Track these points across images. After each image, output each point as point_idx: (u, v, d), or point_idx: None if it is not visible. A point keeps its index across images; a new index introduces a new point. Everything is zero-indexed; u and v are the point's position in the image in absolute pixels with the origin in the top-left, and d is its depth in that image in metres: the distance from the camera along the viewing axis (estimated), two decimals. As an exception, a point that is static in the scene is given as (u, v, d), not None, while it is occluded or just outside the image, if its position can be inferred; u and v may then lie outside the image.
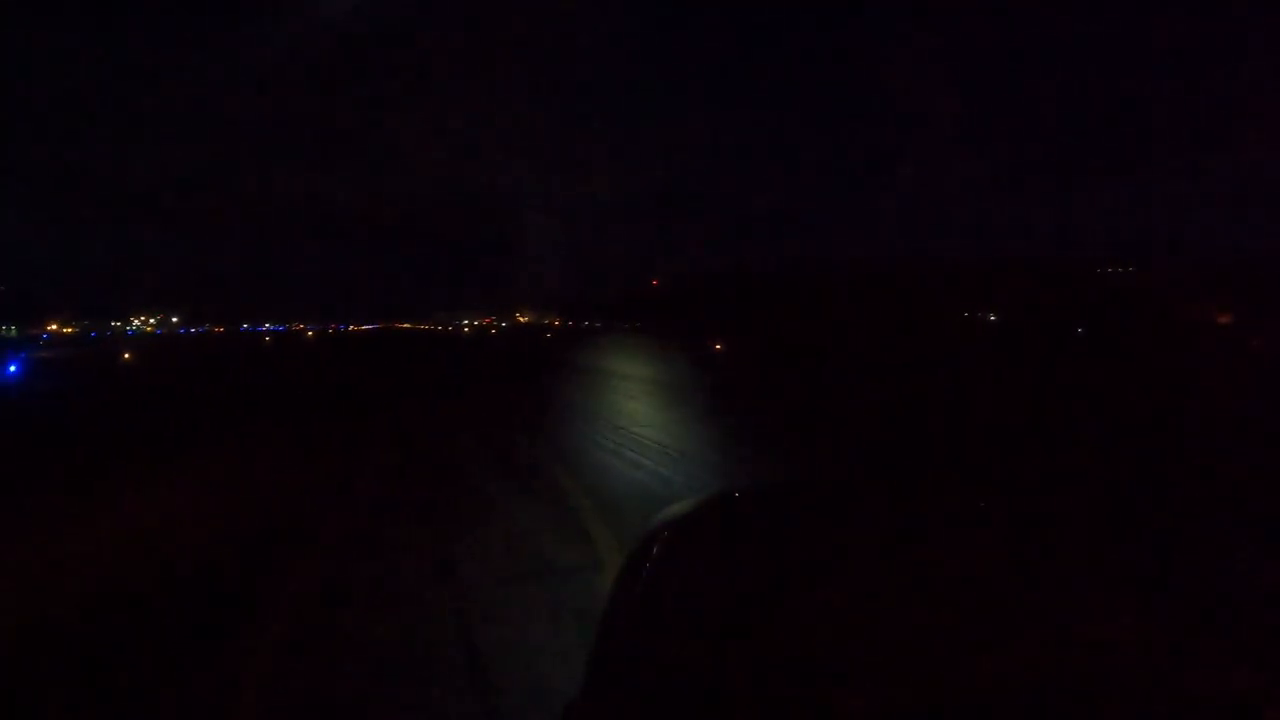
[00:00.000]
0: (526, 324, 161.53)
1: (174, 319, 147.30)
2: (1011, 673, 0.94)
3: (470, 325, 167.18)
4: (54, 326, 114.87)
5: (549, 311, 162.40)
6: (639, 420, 11.98)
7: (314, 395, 18.32)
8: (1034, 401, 14.14)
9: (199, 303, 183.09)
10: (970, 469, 7.39)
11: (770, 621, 1.10)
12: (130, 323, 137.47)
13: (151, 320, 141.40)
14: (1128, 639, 1.01)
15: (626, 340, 56.19)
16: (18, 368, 27.30)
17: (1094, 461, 7.78)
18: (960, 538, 1.37)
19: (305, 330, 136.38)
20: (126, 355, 41.77)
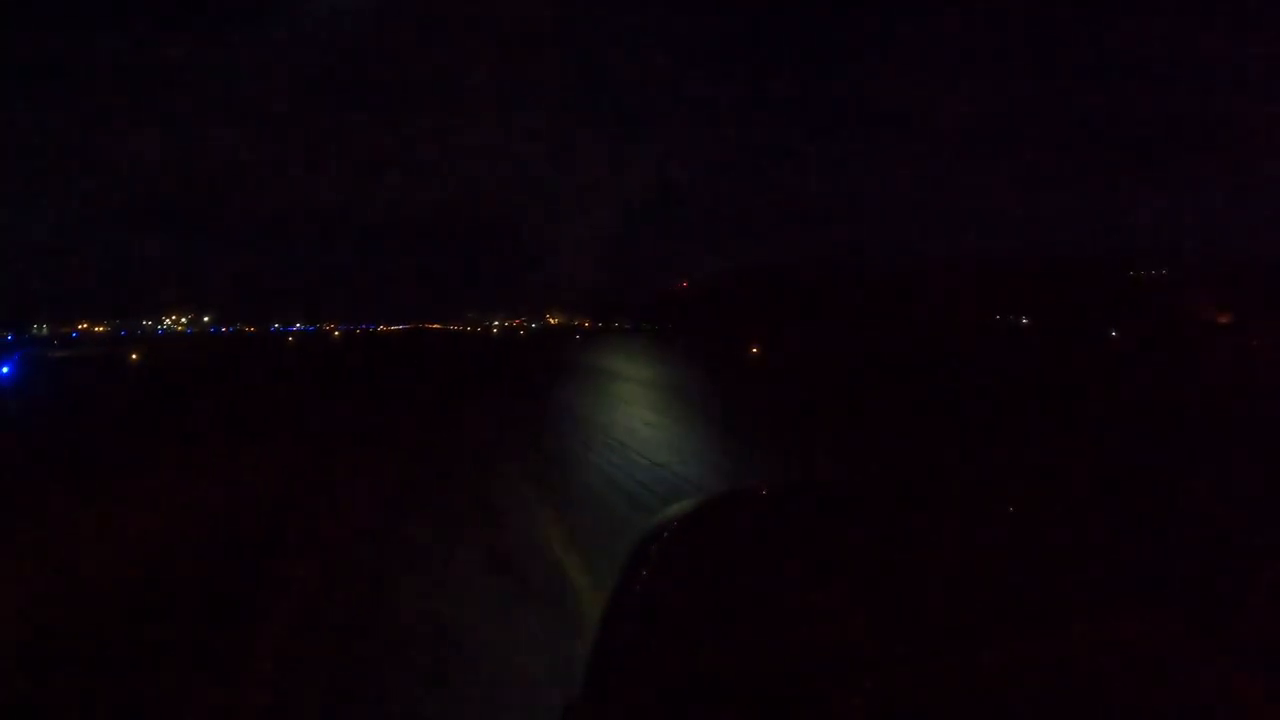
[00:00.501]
0: (556, 325, 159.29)
1: (205, 319, 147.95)
2: (1012, 672, 0.95)
3: (499, 326, 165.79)
4: (85, 325, 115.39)
5: (579, 313, 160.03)
6: (651, 445, 9.15)
7: (301, 405, 16.26)
8: (1050, 403, 13.80)
9: (231, 303, 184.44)
10: (971, 469, 7.13)
11: (770, 622, 1.11)
12: (161, 322, 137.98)
13: (183, 320, 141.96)
14: (1128, 639, 1.01)
15: (656, 342, 54.79)
16: (10, 369, 26.04)
17: (1095, 461, 7.68)
18: (960, 538, 1.38)
19: (333, 331, 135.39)
20: (134, 356, 40.95)
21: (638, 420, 11.64)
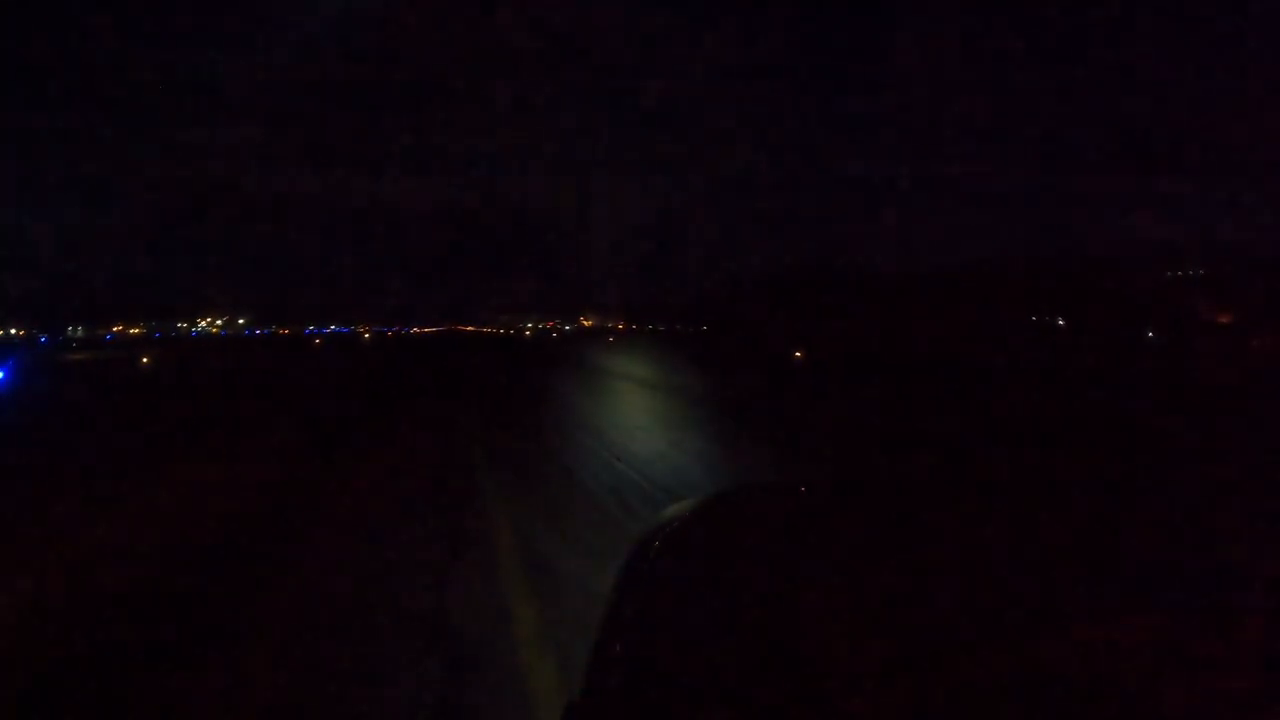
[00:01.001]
0: (590, 326, 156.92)
1: (240, 320, 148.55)
2: (1012, 673, 0.96)
3: (532, 328, 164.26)
4: (120, 327, 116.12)
5: (612, 314, 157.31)
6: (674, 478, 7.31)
7: (303, 417, 14.40)
8: (1074, 406, 13.80)
9: (267, 305, 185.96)
10: (972, 469, 7.10)
11: (771, 622, 1.11)
12: (197, 324, 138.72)
13: (218, 322, 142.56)
14: (1128, 639, 1.01)
15: (690, 345, 53.07)
16: (5, 374, 25.17)
17: (1095, 461, 7.78)
18: (960, 537, 1.39)
19: (364, 333, 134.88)
20: (145, 359, 39.30)
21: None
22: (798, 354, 34.53)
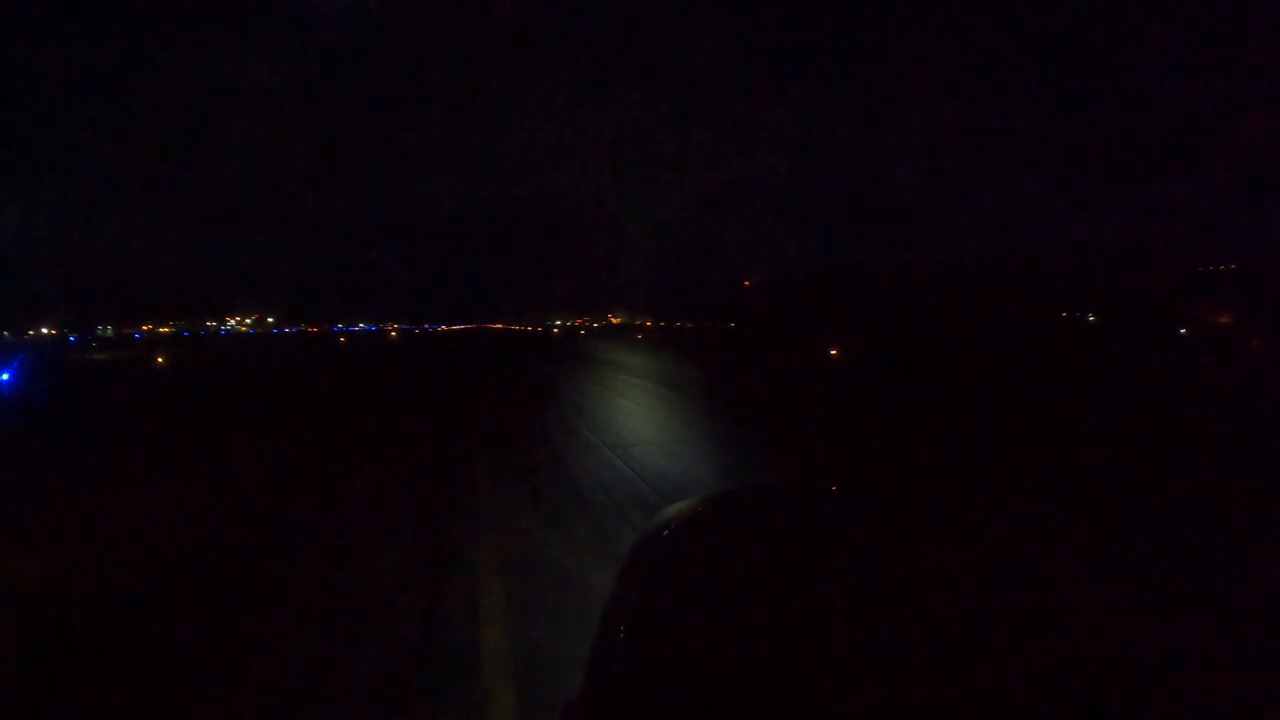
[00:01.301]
0: (618, 324, 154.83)
1: (269, 319, 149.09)
2: (1012, 672, 0.96)
3: (560, 326, 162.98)
4: (149, 326, 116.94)
5: (640, 312, 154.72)
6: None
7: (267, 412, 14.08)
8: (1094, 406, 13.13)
9: (295, 303, 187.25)
10: (973, 469, 6.88)
11: (769, 622, 1.11)
12: (226, 323, 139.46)
13: (247, 320, 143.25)
14: (1129, 639, 1.03)
15: (720, 343, 51.21)
16: (10, 376, 23.54)
17: (1096, 461, 7.55)
18: (960, 537, 1.39)
19: (391, 331, 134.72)
20: (159, 359, 38.08)
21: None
22: (833, 351, 32.70)
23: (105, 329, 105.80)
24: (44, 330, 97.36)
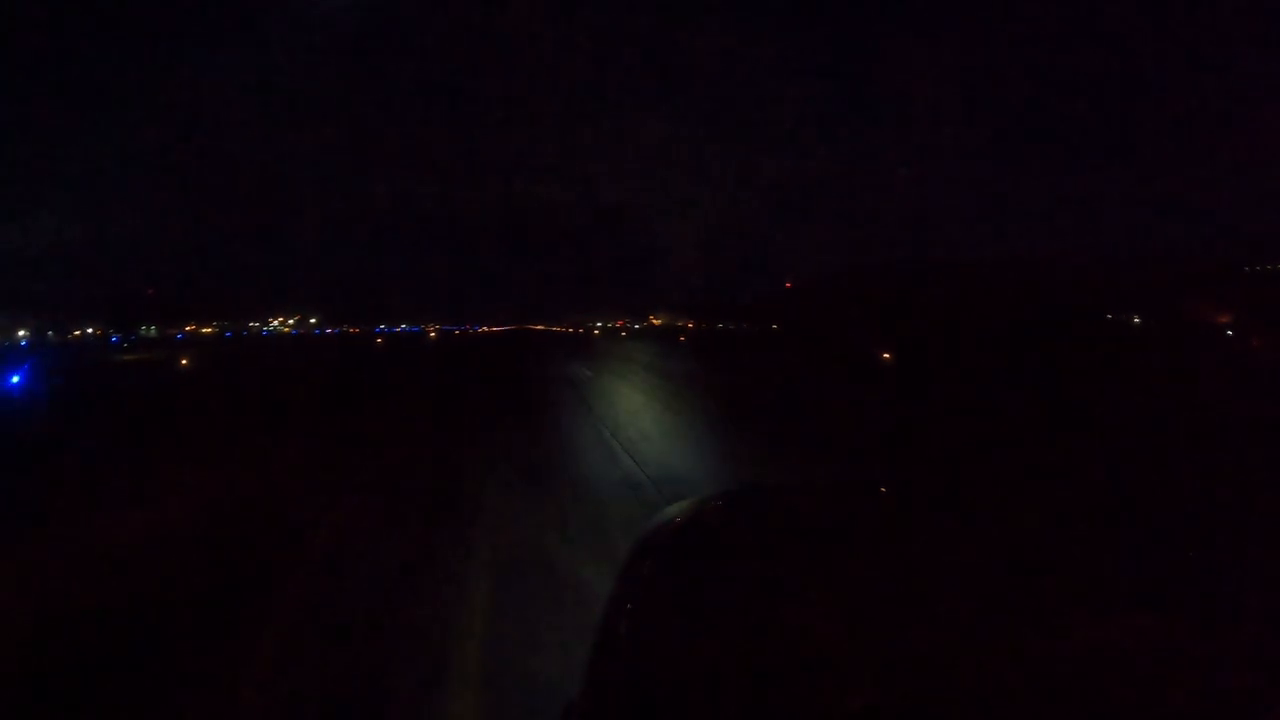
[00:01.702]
0: (660, 325, 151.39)
1: (312, 320, 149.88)
2: (1011, 673, 0.96)
3: (601, 327, 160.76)
4: (192, 327, 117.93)
5: (682, 313, 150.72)
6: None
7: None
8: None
9: (339, 304, 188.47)
10: (972, 469, 7.02)
11: (769, 622, 1.11)
12: (268, 323, 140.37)
13: (290, 321, 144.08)
14: (1127, 639, 1.02)
15: (762, 345, 51.09)
16: (22, 379, 23.40)
17: (1096, 461, 7.69)
18: (960, 537, 1.38)
19: (431, 332, 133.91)
20: (184, 361, 38.44)
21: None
22: (885, 355, 31.72)
23: (149, 329, 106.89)
24: (89, 330, 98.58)
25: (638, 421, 12.24)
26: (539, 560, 5.19)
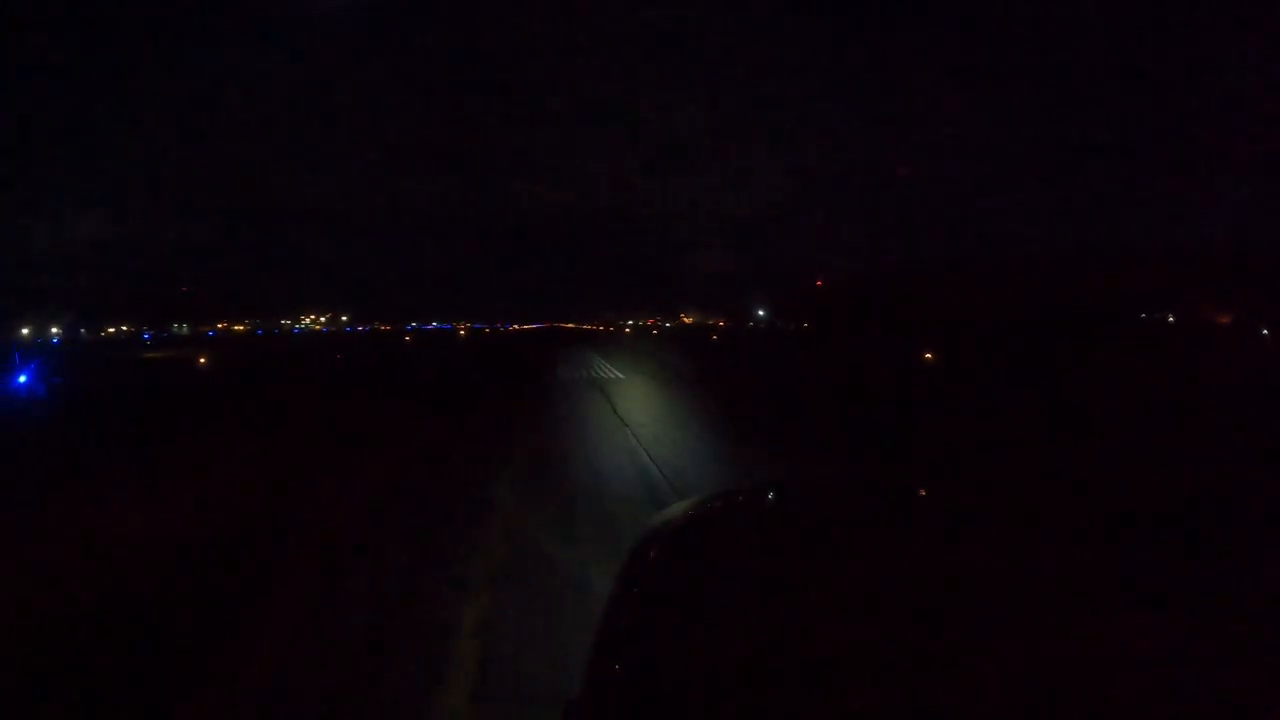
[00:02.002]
0: (691, 324, 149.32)
1: (343, 318, 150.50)
2: (1012, 673, 0.95)
3: (632, 326, 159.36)
4: (224, 325, 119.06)
5: (714, 312, 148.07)
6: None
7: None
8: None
9: (370, 302, 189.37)
10: (972, 468, 6.89)
11: (768, 621, 1.11)
12: (300, 321, 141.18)
13: (322, 319, 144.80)
14: (1127, 639, 1.02)
15: (796, 345, 50.29)
16: (29, 379, 22.49)
17: (1096, 460, 7.41)
18: (960, 537, 1.37)
19: (461, 331, 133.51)
20: (202, 360, 38.09)
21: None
22: (927, 355, 30.26)
23: (181, 327, 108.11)
24: (123, 327, 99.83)
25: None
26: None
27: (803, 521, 1.43)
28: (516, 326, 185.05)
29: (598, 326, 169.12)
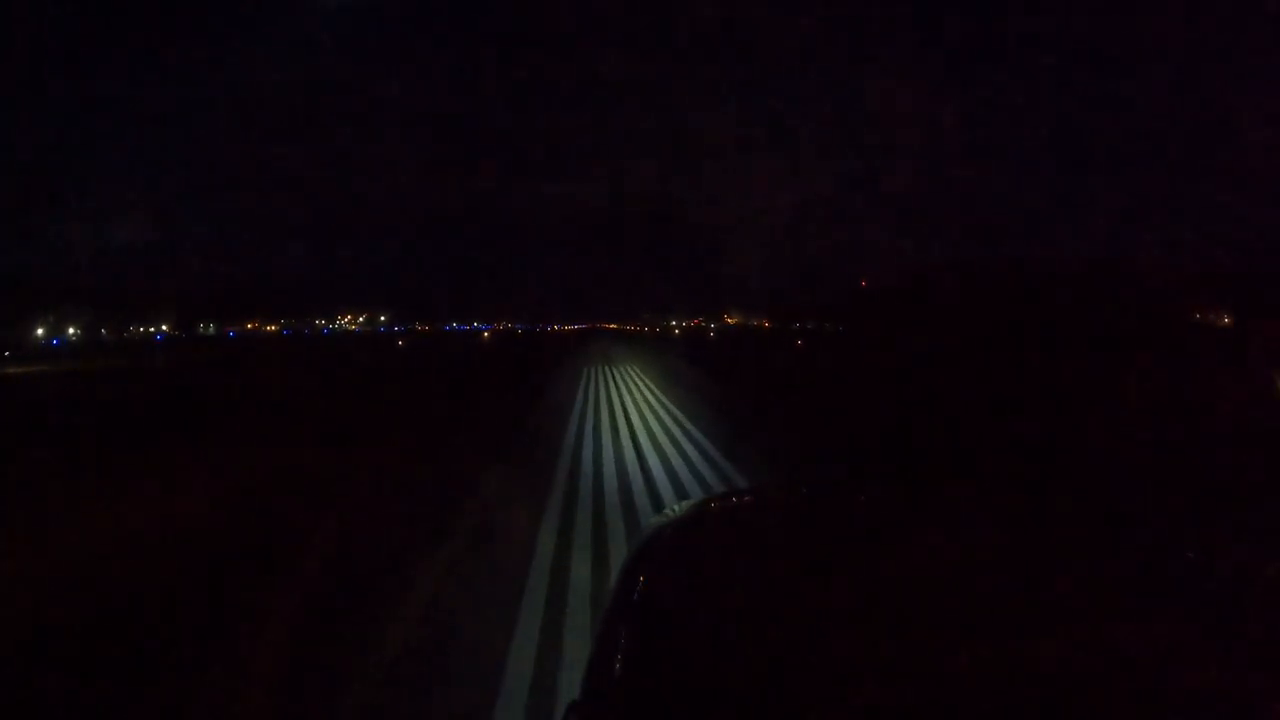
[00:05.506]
0: (735, 325, 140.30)
1: (381, 317, 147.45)
2: (1012, 673, 0.96)
3: (678, 327, 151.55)
4: (254, 324, 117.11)
5: (757, 313, 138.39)
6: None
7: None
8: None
9: (408, 302, 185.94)
10: (971, 468, 4.54)
11: (770, 622, 1.12)
12: (334, 321, 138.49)
13: (359, 319, 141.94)
14: (1128, 639, 1.02)
15: (843, 349, 42.66)
16: None
17: (1095, 460, 4.89)
18: (960, 537, 1.39)
19: (484, 333, 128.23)
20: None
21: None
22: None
23: (207, 327, 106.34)
24: (148, 329, 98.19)
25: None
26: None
27: (803, 522, 1.42)
28: (558, 327, 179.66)
29: (640, 328, 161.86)
